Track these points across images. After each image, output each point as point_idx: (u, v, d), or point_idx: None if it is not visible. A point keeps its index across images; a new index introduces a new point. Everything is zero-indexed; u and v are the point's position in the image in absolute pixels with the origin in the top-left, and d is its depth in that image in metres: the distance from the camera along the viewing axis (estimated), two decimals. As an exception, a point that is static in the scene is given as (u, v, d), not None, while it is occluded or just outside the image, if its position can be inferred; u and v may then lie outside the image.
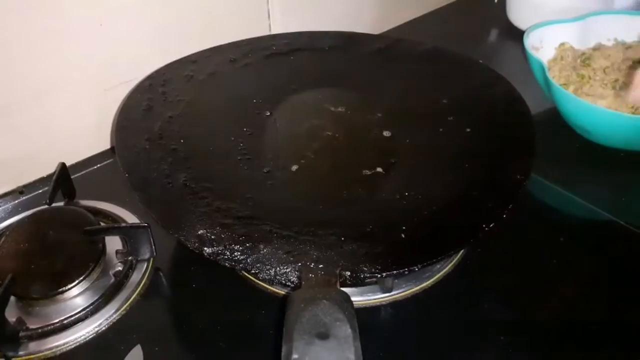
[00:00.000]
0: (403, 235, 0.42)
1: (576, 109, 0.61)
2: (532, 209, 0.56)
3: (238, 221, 0.44)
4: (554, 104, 0.64)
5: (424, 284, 0.47)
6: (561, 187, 0.58)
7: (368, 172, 0.50)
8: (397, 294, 0.46)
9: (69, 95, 0.60)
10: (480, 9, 1.02)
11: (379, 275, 0.39)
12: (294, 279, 0.39)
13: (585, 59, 0.68)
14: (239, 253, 0.41)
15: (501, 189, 0.47)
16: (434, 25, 0.96)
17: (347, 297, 0.34)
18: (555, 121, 0.65)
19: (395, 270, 0.39)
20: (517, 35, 0.88)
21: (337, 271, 0.38)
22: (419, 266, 0.40)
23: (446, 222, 0.44)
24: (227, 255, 0.41)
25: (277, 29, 0.76)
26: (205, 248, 0.41)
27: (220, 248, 0.41)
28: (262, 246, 0.42)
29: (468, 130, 0.54)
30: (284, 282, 0.39)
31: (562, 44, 0.72)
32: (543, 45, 0.72)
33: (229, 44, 0.68)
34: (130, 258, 0.49)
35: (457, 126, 0.55)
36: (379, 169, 0.51)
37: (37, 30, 0.55)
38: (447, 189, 0.47)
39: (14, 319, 0.44)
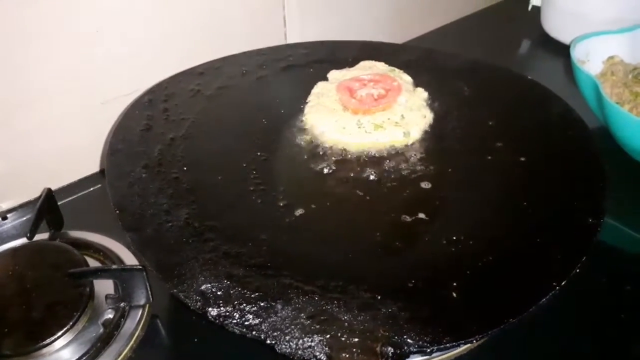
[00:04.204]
0: (454, 294, 0.36)
1: (636, 131, 0.55)
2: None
3: (250, 271, 0.38)
4: (605, 123, 0.59)
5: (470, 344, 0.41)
6: (619, 222, 0.53)
7: (408, 219, 0.43)
8: (438, 357, 0.40)
9: (58, 107, 0.57)
10: (510, 18, 0.99)
11: (429, 350, 0.31)
12: (321, 356, 0.31)
13: (638, 74, 0.64)
14: (251, 315, 0.35)
15: (570, 235, 0.40)
16: (460, 35, 0.92)
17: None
18: (607, 143, 0.59)
19: (450, 342, 0.32)
20: (552, 46, 0.85)
21: (378, 348, 0.30)
22: (479, 337, 0.32)
23: (507, 276, 0.38)
24: (237, 319, 0.34)
25: (293, 38, 0.72)
26: (209, 309, 0.35)
27: (229, 309, 0.35)
28: (279, 306, 0.35)
29: (522, 159, 0.48)
30: (307, 358, 0.31)
31: (611, 58, 0.69)
32: (589, 59, 0.68)
33: (241, 53, 0.64)
34: (122, 304, 0.44)
35: (508, 154, 0.49)
36: (422, 215, 0.43)
37: (22, 33, 0.52)
38: (504, 234, 0.41)
39: (-19, 380, 0.40)
